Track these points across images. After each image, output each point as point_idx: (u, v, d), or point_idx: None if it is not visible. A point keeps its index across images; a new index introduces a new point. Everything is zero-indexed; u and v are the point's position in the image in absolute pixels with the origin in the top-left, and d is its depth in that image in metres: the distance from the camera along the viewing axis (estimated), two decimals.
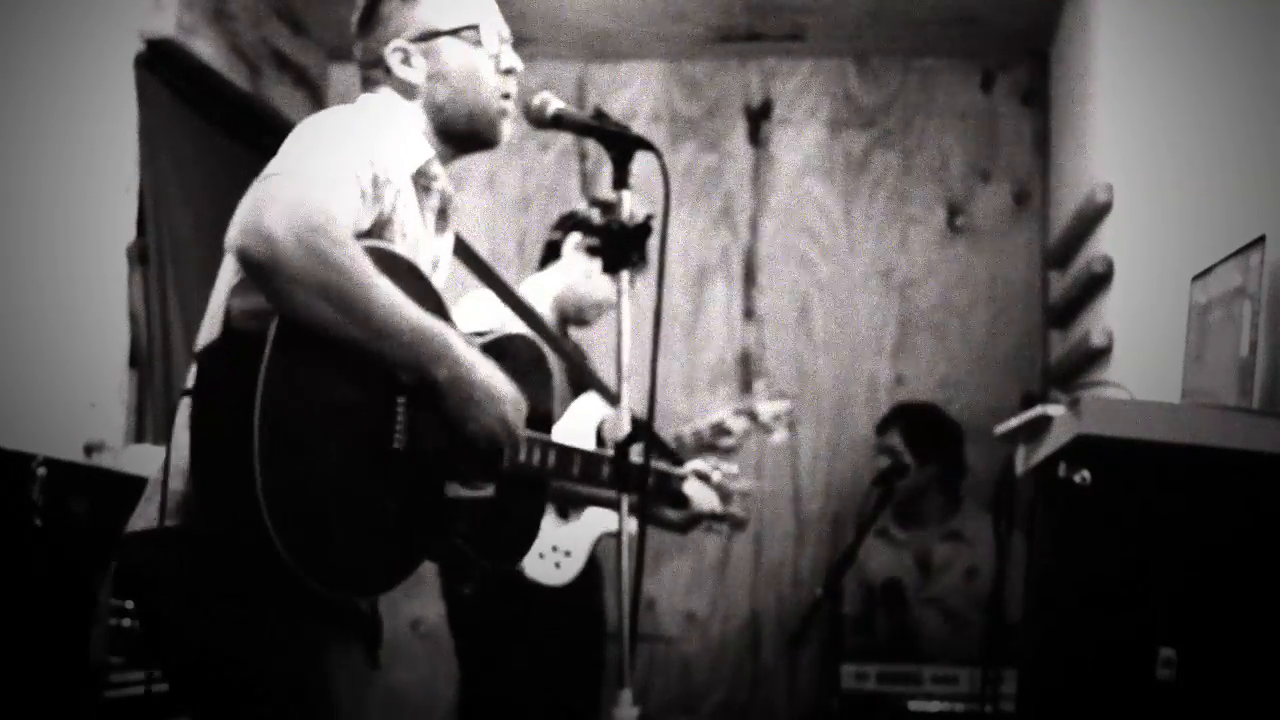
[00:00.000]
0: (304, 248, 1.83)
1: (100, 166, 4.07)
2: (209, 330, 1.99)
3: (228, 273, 2.02)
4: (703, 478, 3.33)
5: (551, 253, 3.73)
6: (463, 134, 2.24)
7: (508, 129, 2.27)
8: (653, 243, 2.25)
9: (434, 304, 2.08)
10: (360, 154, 1.99)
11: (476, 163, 5.31)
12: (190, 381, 1.98)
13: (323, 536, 1.91)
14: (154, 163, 4.28)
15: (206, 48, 4.46)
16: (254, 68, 4.79)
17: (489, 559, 2.25)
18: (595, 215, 3.68)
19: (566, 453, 2.43)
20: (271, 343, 1.86)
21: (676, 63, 5.38)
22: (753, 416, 3.78)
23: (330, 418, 1.93)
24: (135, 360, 4.19)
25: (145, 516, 2.02)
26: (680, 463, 3.35)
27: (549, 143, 5.31)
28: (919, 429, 4.61)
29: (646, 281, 2.43)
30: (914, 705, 4.01)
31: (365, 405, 1.97)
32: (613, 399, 2.26)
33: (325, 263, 1.84)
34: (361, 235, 1.99)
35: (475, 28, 2.22)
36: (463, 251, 2.46)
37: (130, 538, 2.04)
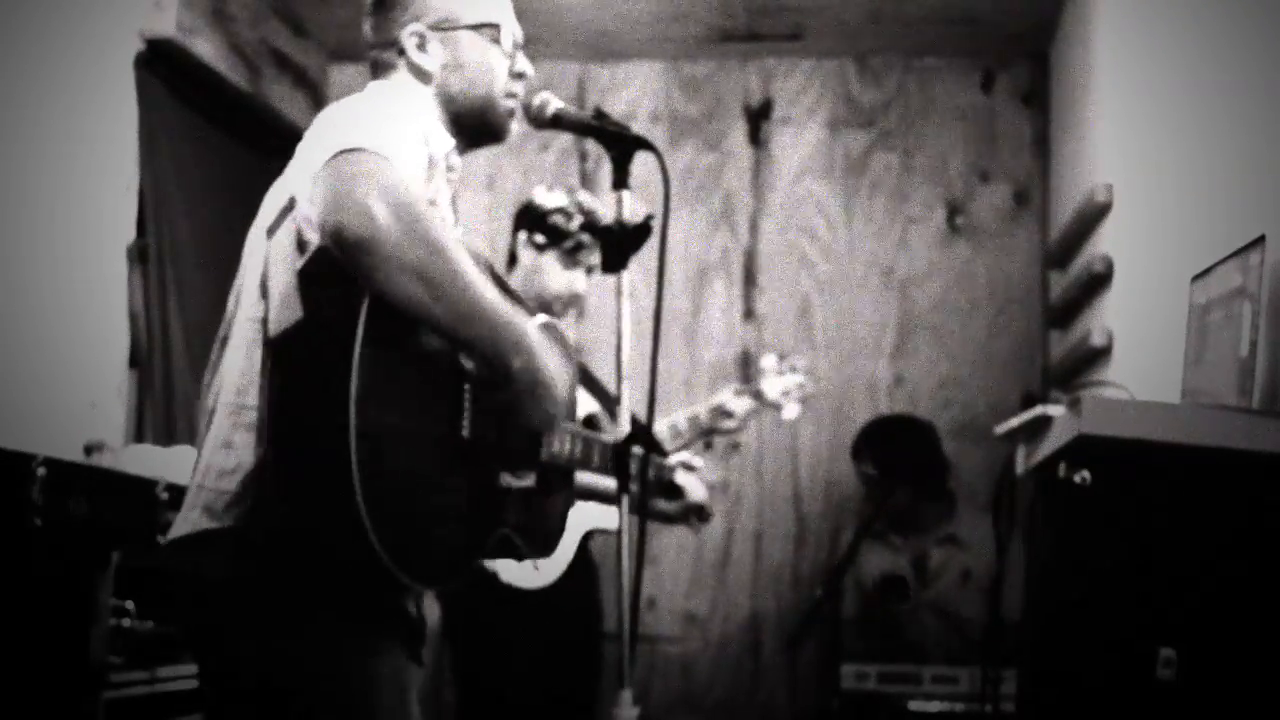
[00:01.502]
0: (401, 223, 1.80)
1: (100, 166, 4.07)
2: (281, 315, 1.91)
3: (281, 256, 1.95)
4: (689, 468, 3.36)
5: (511, 255, 3.69)
6: (474, 126, 2.22)
7: (515, 127, 2.26)
8: (653, 243, 2.25)
9: (497, 286, 2.08)
10: (417, 134, 1.98)
11: (476, 162, 5.31)
12: (235, 384, 1.95)
13: (411, 529, 1.89)
14: (154, 163, 4.28)
15: (206, 48, 4.46)
16: (254, 68, 4.79)
17: (531, 550, 2.25)
18: (544, 202, 3.58)
19: (589, 443, 2.44)
20: (364, 326, 1.82)
21: (676, 63, 5.38)
22: (758, 396, 3.73)
23: (416, 406, 1.92)
24: (135, 360, 4.19)
25: (190, 521, 1.97)
26: (665, 454, 3.36)
27: (549, 143, 5.31)
28: (889, 453, 4.57)
29: (646, 281, 2.43)
30: (914, 705, 4.02)
31: (440, 393, 1.97)
32: (604, 397, 2.27)
33: (422, 240, 1.82)
34: None
35: (496, 27, 2.21)
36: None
37: (175, 544, 1.98)
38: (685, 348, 5.26)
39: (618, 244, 2.25)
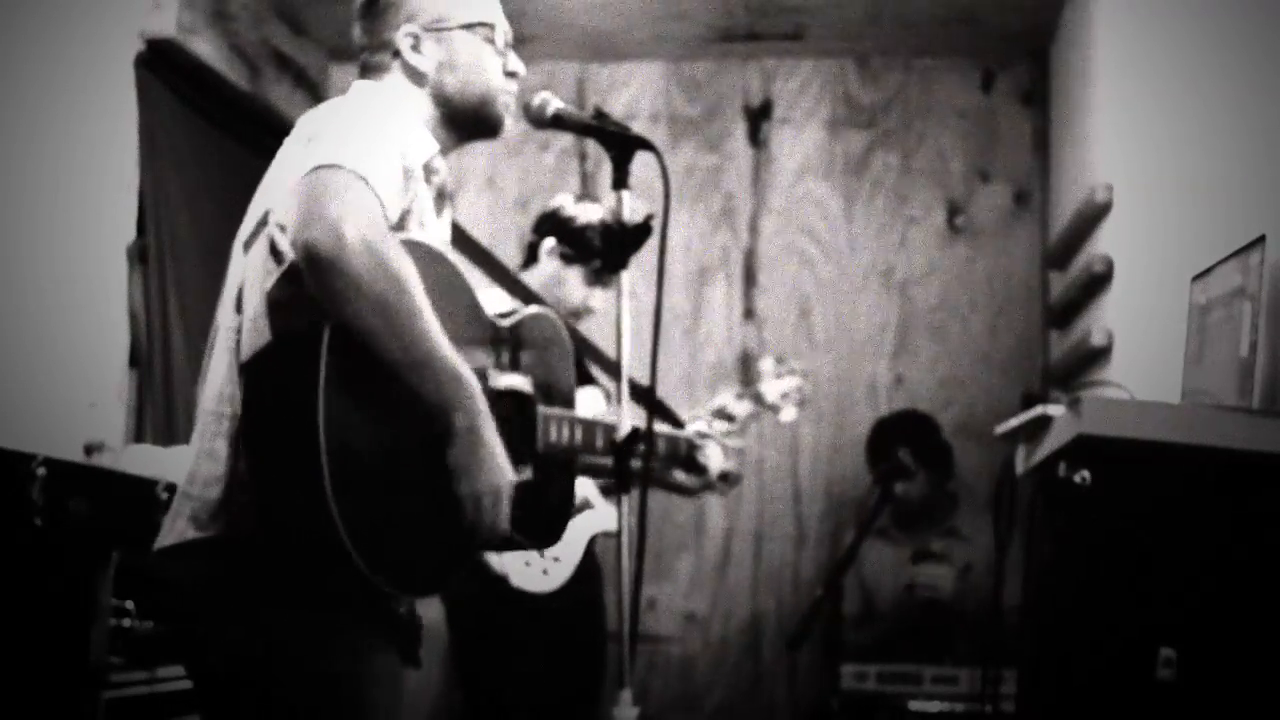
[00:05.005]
0: (369, 253, 1.80)
1: (100, 166, 4.07)
2: (251, 337, 1.93)
3: (255, 273, 1.97)
4: (704, 436, 3.34)
5: (531, 255, 3.69)
6: (470, 122, 2.22)
7: (510, 122, 2.26)
8: (653, 243, 2.25)
9: (461, 291, 2.08)
10: (395, 147, 1.98)
11: (477, 163, 5.31)
12: (217, 392, 1.96)
13: (392, 540, 1.89)
14: (154, 163, 4.28)
15: (206, 48, 4.46)
16: (254, 68, 4.79)
17: (533, 541, 2.25)
18: (578, 214, 3.60)
19: (590, 427, 2.43)
20: (327, 348, 1.83)
21: (676, 63, 5.38)
22: (757, 399, 3.74)
23: (387, 416, 1.91)
24: (135, 360, 4.19)
25: (176, 531, 1.97)
26: (680, 424, 3.33)
27: (549, 143, 5.31)
28: (919, 440, 4.59)
29: (646, 281, 2.43)
30: (914, 705, 4.01)
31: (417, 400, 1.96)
32: (616, 373, 2.26)
33: (387, 274, 1.82)
34: (392, 228, 1.96)
35: (489, 25, 2.22)
36: (463, 242, 2.45)
37: (163, 553, 1.99)
38: (685, 348, 5.26)
39: (618, 243, 2.25)
